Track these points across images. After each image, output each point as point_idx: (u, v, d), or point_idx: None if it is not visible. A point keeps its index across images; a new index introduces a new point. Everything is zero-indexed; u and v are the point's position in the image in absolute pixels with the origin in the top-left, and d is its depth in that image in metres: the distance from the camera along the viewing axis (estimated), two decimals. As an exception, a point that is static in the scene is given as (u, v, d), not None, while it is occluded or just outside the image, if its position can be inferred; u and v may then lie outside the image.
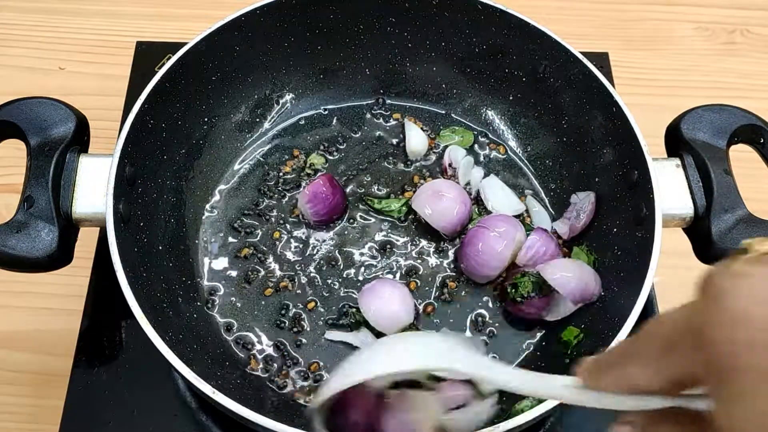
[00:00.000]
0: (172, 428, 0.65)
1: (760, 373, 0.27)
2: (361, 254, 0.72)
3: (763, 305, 0.28)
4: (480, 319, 0.69)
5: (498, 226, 0.68)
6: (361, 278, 0.71)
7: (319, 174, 0.76)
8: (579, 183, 0.74)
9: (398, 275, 0.71)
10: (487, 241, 0.68)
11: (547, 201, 0.76)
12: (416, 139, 0.78)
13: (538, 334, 0.68)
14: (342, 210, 0.74)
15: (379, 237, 0.73)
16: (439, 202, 0.71)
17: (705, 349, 0.29)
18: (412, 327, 0.66)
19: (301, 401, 0.65)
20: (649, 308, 0.71)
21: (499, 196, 0.75)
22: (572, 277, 0.64)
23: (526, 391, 0.38)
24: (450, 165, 0.76)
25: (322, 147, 0.79)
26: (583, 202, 0.71)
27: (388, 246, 0.73)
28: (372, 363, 0.43)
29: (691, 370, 0.30)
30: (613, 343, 0.51)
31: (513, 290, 0.67)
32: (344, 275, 0.71)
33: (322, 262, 0.72)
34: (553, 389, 0.37)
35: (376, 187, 0.76)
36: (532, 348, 0.68)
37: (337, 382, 0.44)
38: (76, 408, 0.65)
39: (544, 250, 0.68)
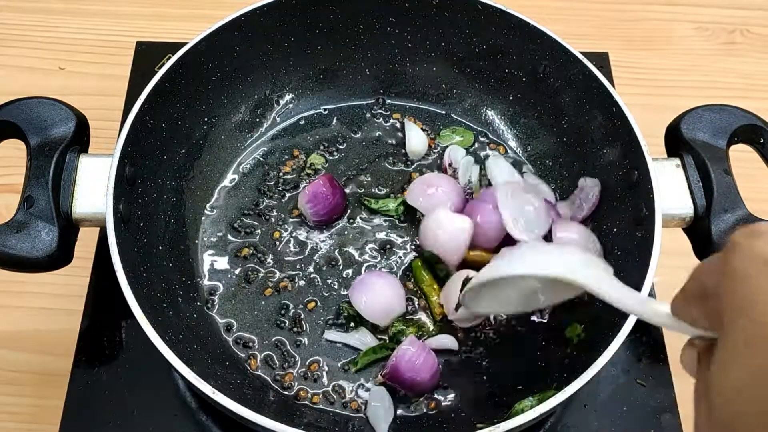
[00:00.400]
0: (172, 428, 0.65)
1: (747, 335, 0.28)
2: (361, 254, 0.72)
3: (765, 267, 0.29)
4: (480, 322, 0.69)
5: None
6: (361, 278, 0.71)
7: (319, 174, 0.76)
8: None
9: (399, 275, 0.71)
10: (484, 214, 0.69)
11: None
12: (416, 139, 0.78)
13: (535, 338, 0.68)
14: (342, 210, 0.74)
15: (379, 237, 0.73)
16: (433, 195, 0.71)
17: (717, 302, 0.31)
18: (406, 317, 0.67)
19: (301, 401, 0.65)
20: (649, 308, 0.71)
21: (504, 173, 0.75)
22: (575, 241, 0.67)
23: (635, 313, 0.43)
24: (450, 165, 0.76)
25: (322, 147, 0.79)
26: (589, 192, 0.71)
27: (388, 246, 0.73)
28: (527, 263, 0.51)
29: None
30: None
31: None
32: (344, 275, 0.71)
33: (322, 262, 0.72)
34: (656, 315, 0.41)
35: (376, 188, 0.76)
36: (533, 347, 0.68)
37: (490, 272, 0.54)
38: (76, 408, 0.65)
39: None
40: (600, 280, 0.45)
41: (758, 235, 0.31)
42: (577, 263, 0.47)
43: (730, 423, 0.28)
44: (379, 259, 0.72)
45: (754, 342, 0.28)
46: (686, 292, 0.36)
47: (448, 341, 0.67)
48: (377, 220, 0.74)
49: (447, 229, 0.68)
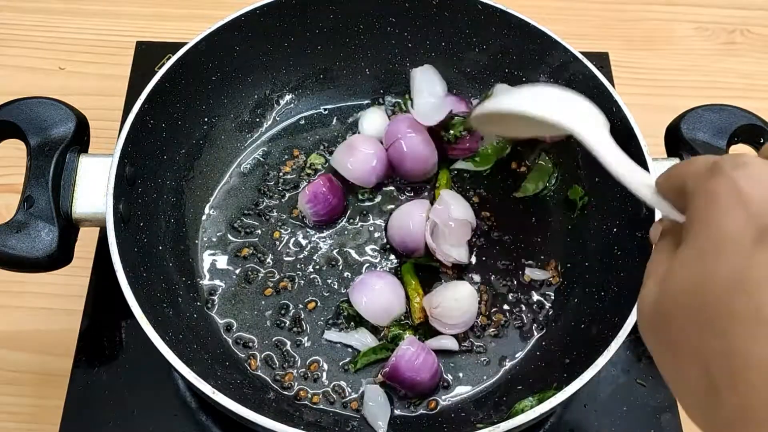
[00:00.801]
0: (172, 428, 0.65)
1: (703, 249, 0.35)
2: (361, 254, 0.72)
3: (737, 199, 0.34)
4: (480, 322, 0.69)
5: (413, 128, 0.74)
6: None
7: (319, 174, 0.76)
8: (579, 183, 0.73)
9: (399, 275, 0.71)
10: (411, 145, 0.73)
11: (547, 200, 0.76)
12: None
13: (535, 338, 0.69)
14: (342, 210, 0.74)
15: (378, 237, 0.73)
16: (354, 156, 0.73)
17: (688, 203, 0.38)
18: (401, 322, 0.68)
19: (301, 401, 0.65)
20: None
21: (427, 86, 0.78)
22: None
23: (622, 180, 0.48)
24: None
25: (322, 147, 0.79)
26: None
27: (388, 246, 0.73)
28: (535, 104, 0.56)
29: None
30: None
31: (446, 133, 0.74)
32: (344, 275, 0.71)
33: (322, 262, 0.72)
34: (641, 186, 0.46)
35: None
36: (530, 346, 0.68)
37: (497, 104, 0.59)
38: (76, 408, 0.65)
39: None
40: (598, 138, 0.50)
41: (743, 167, 0.35)
42: (580, 115, 0.53)
43: (672, 309, 0.35)
44: (379, 259, 0.72)
45: (705, 256, 0.34)
46: (670, 179, 0.42)
47: (448, 341, 0.67)
48: (377, 220, 0.74)
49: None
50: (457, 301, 0.65)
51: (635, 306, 0.42)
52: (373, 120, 0.79)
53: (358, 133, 0.79)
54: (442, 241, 0.69)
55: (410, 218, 0.69)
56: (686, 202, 0.38)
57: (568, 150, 0.75)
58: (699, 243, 0.35)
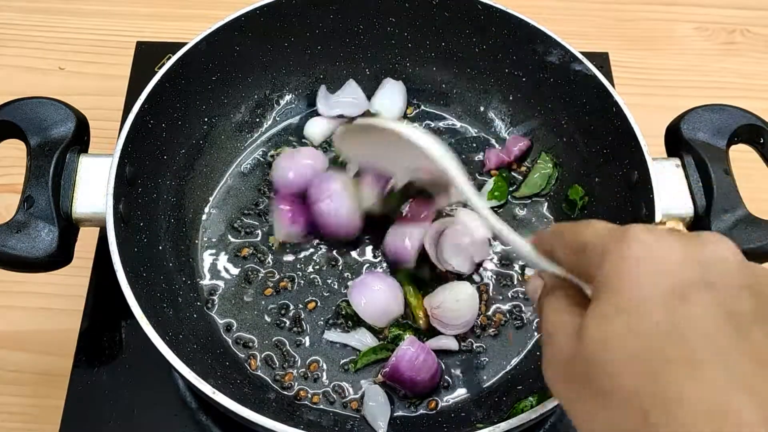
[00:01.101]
0: (172, 428, 0.65)
1: (624, 305, 0.36)
2: (361, 255, 0.72)
3: (650, 256, 0.37)
4: (480, 322, 0.69)
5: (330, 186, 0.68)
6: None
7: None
8: (579, 183, 0.73)
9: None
10: (335, 198, 0.68)
11: (547, 204, 0.76)
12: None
13: (535, 338, 0.69)
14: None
15: (378, 236, 0.73)
16: (293, 163, 0.72)
17: (593, 262, 0.39)
18: (402, 321, 0.68)
19: (301, 401, 0.65)
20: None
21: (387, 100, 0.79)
22: None
23: (491, 224, 0.50)
24: None
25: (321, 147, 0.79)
26: None
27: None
28: (408, 130, 0.56)
29: (587, 271, 0.41)
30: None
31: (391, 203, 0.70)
32: (344, 275, 0.71)
33: (322, 262, 0.72)
34: (513, 238, 0.48)
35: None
36: (530, 346, 0.68)
37: (373, 120, 0.62)
38: (76, 408, 0.65)
39: None
40: (471, 188, 0.52)
41: (654, 233, 0.38)
42: (454, 162, 0.54)
43: (599, 361, 0.36)
44: (380, 259, 0.72)
45: (629, 310, 0.36)
46: (565, 237, 0.43)
47: (448, 341, 0.67)
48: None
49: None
50: (458, 302, 0.65)
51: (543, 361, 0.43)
52: (317, 127, 0.79)
53: (304, 140, 0.79)
54: (462, 258, 0.68)
55: (406, 235, 0.68)
56: (591, 261, 0.40)
57: (568, 150, 0.75)
58: (620, 299, 0.37)
